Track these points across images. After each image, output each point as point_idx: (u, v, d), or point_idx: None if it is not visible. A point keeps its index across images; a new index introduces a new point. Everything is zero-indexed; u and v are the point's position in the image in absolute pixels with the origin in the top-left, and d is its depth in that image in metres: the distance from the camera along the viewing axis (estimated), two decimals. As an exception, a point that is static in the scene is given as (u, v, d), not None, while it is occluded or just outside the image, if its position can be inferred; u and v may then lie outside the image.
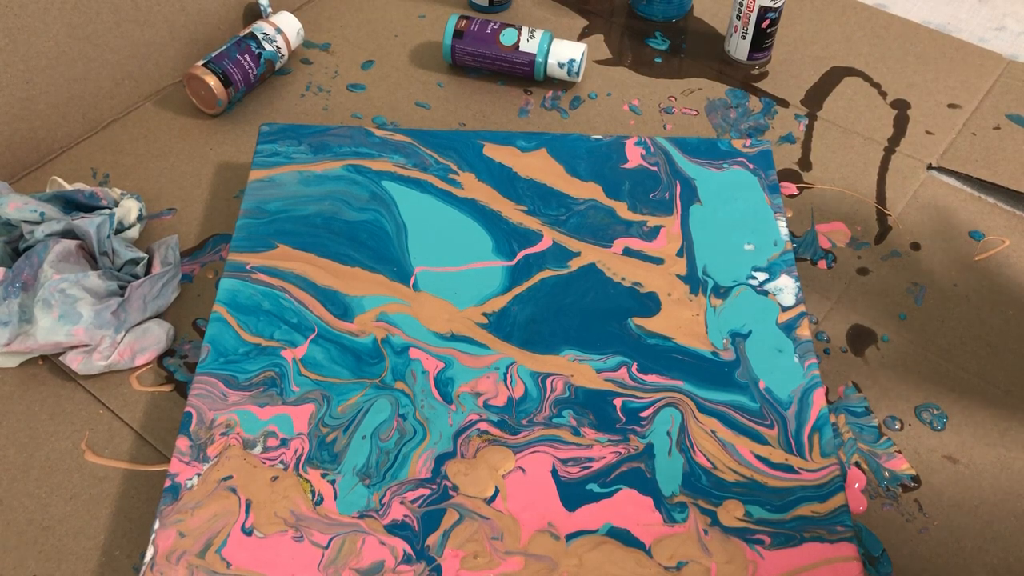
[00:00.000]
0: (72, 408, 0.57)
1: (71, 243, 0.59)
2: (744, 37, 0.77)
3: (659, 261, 0.61)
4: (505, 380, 0.55)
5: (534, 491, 0.51)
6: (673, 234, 0.62)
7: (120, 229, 0.63)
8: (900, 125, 0.74)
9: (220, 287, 0.59)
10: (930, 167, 0.71)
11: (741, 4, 0.76)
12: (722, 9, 0.85)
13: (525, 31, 0.76)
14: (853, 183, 0.70)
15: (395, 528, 0.49)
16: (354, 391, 0.55)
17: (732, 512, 0.50)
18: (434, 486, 0.51)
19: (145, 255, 0.62)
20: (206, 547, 0.48)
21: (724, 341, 0.57)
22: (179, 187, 0.69)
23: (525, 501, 0.50)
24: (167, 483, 0.51)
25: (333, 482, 0.51)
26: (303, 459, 0.52)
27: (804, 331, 0.57)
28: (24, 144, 0.70)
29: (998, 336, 0.61)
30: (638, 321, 0.58)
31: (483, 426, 0.53)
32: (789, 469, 0.52)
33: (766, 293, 0.59)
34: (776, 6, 0.75)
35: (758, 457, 0.52)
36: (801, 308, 0.58)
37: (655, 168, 0.66)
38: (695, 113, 0.75)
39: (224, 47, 0.74)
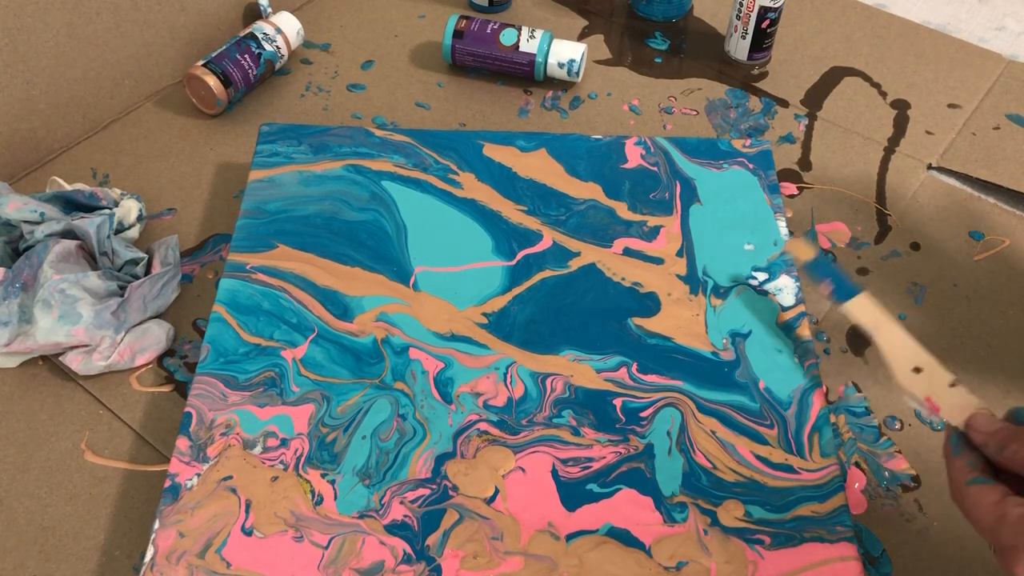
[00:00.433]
0: (72, 408, 0.57)
1: (71, 243, 0.59)
2: (744, 37, 0.77)
3: (659, 261, 0.61)
4: (505, 380, 0.55)
5: (534, 491, 0.51)
6: (673, 234, 0.62)
7: (120, 229, 0.63)
8: (900, 125, 0.74)
9: (220, 287, 0.59)
10: (930, 167, 0.71)
11: (741, 4, 0.76)
12: (722, 9, 0.85)
13: (525, 31, 0.76)
14: (853, 183, 0.70)
15: (395, 528, 0.49)
16: (354, 391, 0.55)
17: (732, 512, 0.50)
18: (434, 486, 0.51)
19: (145, 255, 0.62)
20: (206, 547, 0.48)
21: (724, 341, 0.57)
22: (179, 187, 0.69)
23: (525, 501, 0.50)
24: (167, 483, 0.51)
25: (333, 482, 0.51)
26: (303, 459, 0.52)
27: (804, 331, 0.57)
28: (24, 144, 0.70)
29: (998, 336, 0.61)
30: (638, 321, 0.58)
31: (483, 426, 0.53)
32: (789, 469, 0.52)
33: (766, 293, 0.59)
34: (776, 6, 0.75)
35: (758, 457, 0.52)
36: (801, 308, 0.58)
37: (655, 168, 0.66)
38: (695, 113, 0.75)
39: (224, 47, 0.74)
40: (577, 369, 0.56)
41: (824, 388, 0.55)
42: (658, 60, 0.80)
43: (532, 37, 0.75)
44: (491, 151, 0.67)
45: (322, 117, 0.75)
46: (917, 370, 0.44)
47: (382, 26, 0.83)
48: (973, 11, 0.87)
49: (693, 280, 0.60)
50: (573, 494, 0.50)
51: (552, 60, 0.76)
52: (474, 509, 0.50)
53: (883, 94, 0.77)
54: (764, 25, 0.76)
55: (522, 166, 0.66)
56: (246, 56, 0.74)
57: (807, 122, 0.75)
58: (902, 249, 0.66)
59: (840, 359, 0.59)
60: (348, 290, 0.59)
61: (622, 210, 0.64)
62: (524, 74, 0.77)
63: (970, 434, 0.40)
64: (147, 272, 0.62)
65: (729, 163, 0.66)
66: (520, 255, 0.61)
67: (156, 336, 0.59)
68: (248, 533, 0.49)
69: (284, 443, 0.52)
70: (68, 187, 0.64)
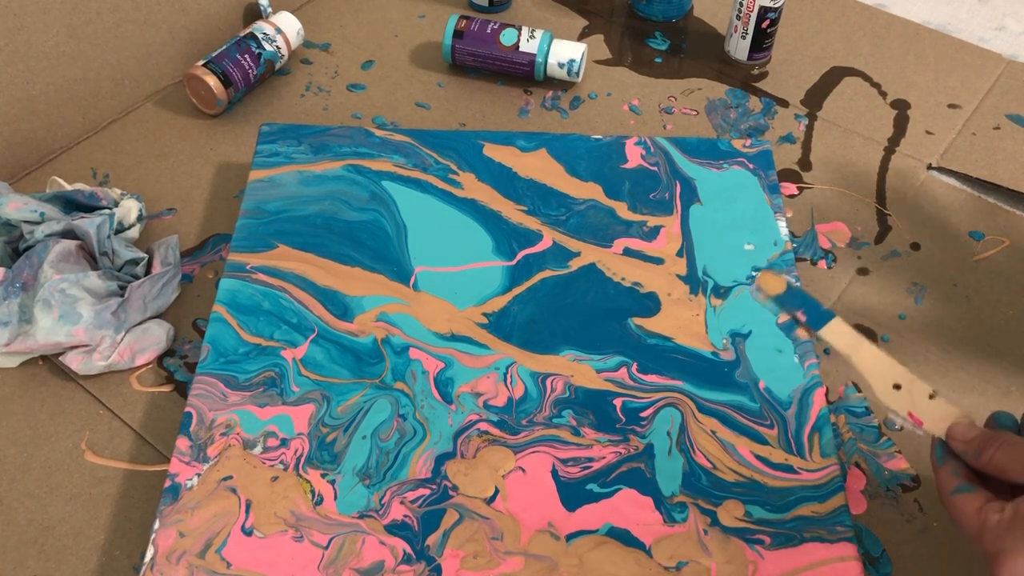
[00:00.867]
0: (72, 408, 0.57)
1: (71, 243, 0.59)
2: (744, 37, 0.77)
3: (659, 261, 0.61)
4: (505, 380, 0.55)
5: (534, 491, 0.51)
6: (673, 234, 0.62)
7: (120, 229, 0.63)
8: (900, 125, 0.74)
9: (220, 287, 0.59)
10: (930, 167, 0.71)
11: (741, 4, 0.76)
12: (722, 9, 0.85)
13: (525, 31, 0.76)
14: (853, 183, 0.70)
15: (395, 528, 0.49)
16: (354, 391, 0.55)
17: (732, 512, 0.50)
18: (434, 486, 0.51)
19: (145, 255, 0.62)
20: (206, 547, 0.48)
21: (724, 341, 0.57)
22: (179, 187, 0.69)
23: (525, 501, 0.50)
24: (167, 483, 0.51)
25: (333, 482, 0.51)
26: (303, 459, 0.52)
27: (804, 331, 0.57)
28: (24, 144, 0.70)
29: (998, 336, 0.61)
30: (638, 321, 0.58)
31: (483, 426, 0.53)
32: (789, 469, 0.52)
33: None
34: (776, 6, 0.75)
35: (758, 457, 0.52)
36: (801, 308, 0.58)
37: (655, 168, 0.66)
38: (695, 113, 0.75)
39: (224, 47, 0.74)
40: (577, 369, 0.56)
41: (824, 388, 0.55)
42: (658, 60, 0.80)
43: (532, 37, 0.75)
44: (491, 151, 0.67)
45: (322, 117, 0.75)
46: (897, 387, 0.45)
47: (382, 26, 0.83)
48: (973, 11, 0.87)
49: (693, 280, 0.60)
50: (573, 494, 0.50)
51: (552, 60, 0.76)
52: (474, 509, 0.50)
53: (883, 94, 0.77)
54: (764, 25, 0.76)
55: (522, 166, 0.66)
56: (246, 56, 0.74)
57: (807, 122, 0.75)
58: (902, 249, 0.66)
59: (840, 359, 0.59)
60: (348, 290, 0.59)
61: (622, 210, 0.64)
62: (524, 74, 0.77)
63: (951, 443, 0.42)
64: (147, 272, 0.62)
65: (729, 163, 0.66)
66: (520, 255, 0.61)
67: (156, 336, 0.59)
68: (248, 533, 0.49)
69: (284, 443, 0.52)
70: (68, 187, 0.64)
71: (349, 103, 0.76)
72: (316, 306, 0.58)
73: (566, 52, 0.75)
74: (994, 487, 0.39)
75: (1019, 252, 0.65)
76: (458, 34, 0.77)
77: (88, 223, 0.59)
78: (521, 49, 0.75)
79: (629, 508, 0.50)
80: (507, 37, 0.76)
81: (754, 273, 0.60)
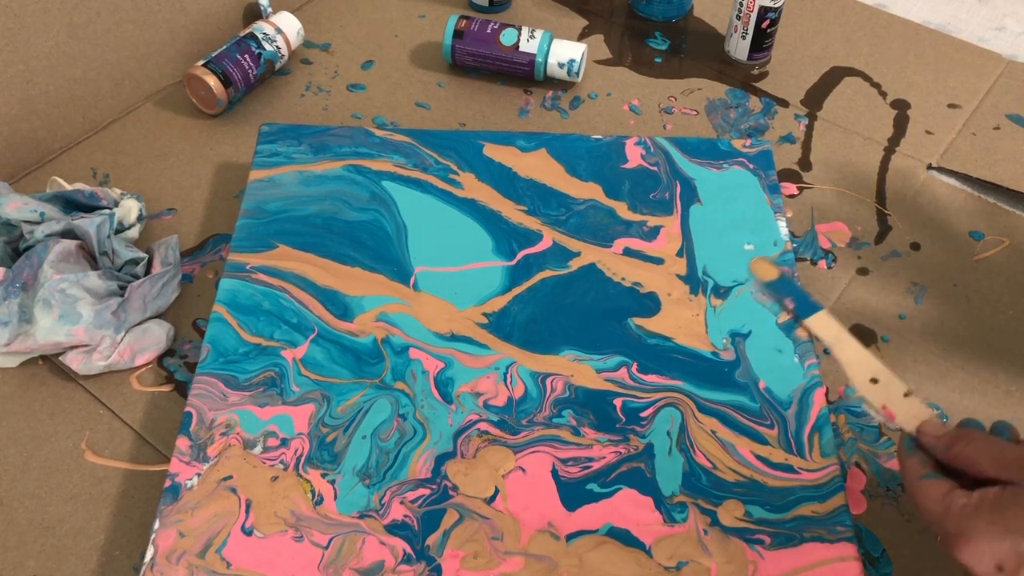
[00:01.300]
0: (72, 408, 0.57)
1: (71, 243, 0.59)
2: (744, 37, 0.77)
3: (659, 261, 0.61)
4: (505, 380, 0.55)
5: (534, 491, 0.51)
6: (673, 234, 0.62)
7: (120, 229, 0.63)
8: (900, 125, 0.74)
9: (220, 287, 0.59)
10: (930, 167, 0.71)
11: (741, 4, 0.76)
12: (722, 9, 0.85)
13: (525, 31, 0.76)
14: (853, 183, 0.70)
15: (395, 528, 0.49)
16: (354, 391, 0.55)
17: (732, 512, 0.50)
18: (434, 486, 0.51)
19: (145, 255, 0.62)
20: (206, 547, 0.48)
21: (724, 341, 0.57)
22: (179, 187, 0.69)
23: (525, 501, 0.50)
24: (167, 483, 0.51)
25: (333, 482, 0.51)
26: (303, 459, 0.52)
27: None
28: (24, 144, 0.70)
29: (998, 336, 0.61)
30: (638, 321, 0.58)
31: (483, 426, 0.53)
32: (789, 469, 0.52)
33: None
34: (776, 6, 0.75)
35: (758, 457, 0.52)
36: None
37: (655, 168, 0.66)
38: (695, 113, 0.75)
39: (224, 47, 0.74)
40: (577, 369, 0.56)
41: (824, 388, 0.55)
42: (658, 60, 0.80)
43: (532, 37, 0.75)
44: (491, 151, 0.67)
45: (322, 117, 0.75)
46: (874, 381, 0.48)
47: (382, 26, 0.83)
48: (973, 11, 0.87)
49: (693, 280, 0.60)
50: (573, 494, 0.50)
51: (552, 60, 0.76)
52: (474, 509, 0.50)
53: (883, 94, 0.77)
54: (764, 25, 0.76)
55: (522, 166, 0.66)
56: (246, 56, 0.74)
57: (807, 122, 0.75)
58: (902, 249, 0.66)
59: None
60: (348, 290, 0.59)
61: (622, 210, 0.64)
62: (524, 74, 0.77)
63: (921, 437, 0.44)
64: (147, 272, 0.62)
65: (729, 163, 0.66)
66: (520, 255, 0.61)
67: (156, 336, 0.59)
68: (248, 533, 0.49)
69: (284, 443, 0.52)
70: (68, 187, 0.64)
71: (349, 103, 0.76)
72: (316, 306, 0.58)
73: (566, 52, 0.75)
74: (958, 482, 0.42)
75: (1019, 252, 0.65)
76: (458, 34, 0.77)
77: (88, 223, 0.59)
78: (521, 49, 0.75)
79: (629, 508, 0.50)
80: (507, 37, 0.76)
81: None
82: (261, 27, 0.76)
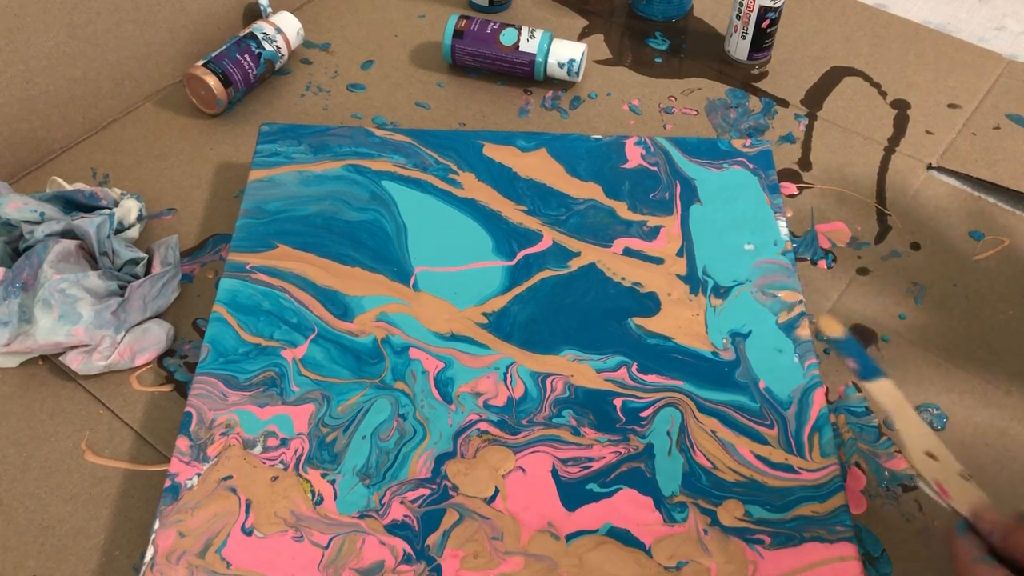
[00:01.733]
0: (72, 408, 0.57)
1: (71, 243, 0.59)
2: (744, 37, 0.77)
3: (659, 261, 0.61)
4: (505, 380, 0.55)
5: (534, 491, 0.51)
6: (673, 234, 0.62)
7: (120, 229, 0.63)
8: (900, 125, 0.74)
9: (220, 287, 0.59)
10: (930, 167, 0.71)
11: (741, 4, 0.76)
12: (722, 9, 0.85)
13: (525, 31, 0.76)
14: (853, 183, 0.70)
15: (395, 528, 0.49)
16: (354, 391, 0.55)
17: (732, 512, 0.50)
18: (434, 486, 0.51)
19: (145, 255, 0.62)
20: (206, 547, 0.48)
21: (724, 341, 0.57)
22: (179, 187, 0.69)
23: (525, 501, 0.50)
24: (167, 483, 0.51)
25: (333, 482, 0.51)
26: (303, 459, 0.52)
27: (804, 331, 0.57)
28: (24, 144, 0.70)
29: (998, 336, 0.61)
30: (638, 321, 0.58)
31: (483, 426, 0.53)
32: (789, 469, 0.52)
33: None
34: (776, 6, 0.75)
35: (758, 457, 0.52)
36: (801, 308, 0.58)
37: (655, 168, 0.66)
38: (695, 113, 0.75)
39: (224, 47, 0.74)
40: (577, 369, 0.56)
41: (824, 388, 0.55)
42: (658, 60, 0.80)
43: (532, 37, 0.75)
44: (491, 151, 0.67)
45: (322, 117, 0.75)
46: (931, 456, 0.47)
47: (382, 26, 0.83)
48: (973, 11, 0.87)
49: (693, 280, 0.60)
50: (573, 494, 0.50)
51: (552, 60, 0.76)
52: (474, 509, 0.50)
53: (883, 94, 0.77)
54: (764, 25, 0.76)
55: (522, 166, 0.66)
56: (246, 56, 0.74)
57: (807, 122, 0.75)
58: (902, 249, 0.66)
59: (840, 359, 0.59)
60: (348, 290, 0.59)
61: (622, 210, 0.64)
62: (524, 74, 0.77)
63: (977, 522, 0.44)
64: (147, 272, 0.62)
65: (729, 163, 0.66)
66: (520, 255, 0.61)
67: (156, 336, 0.59)
68: (248, 533, 0.49)
69: (284, 443, 0.52)
70: (68, 187, 0.64)
71: (349, 103, 0.76)
72: (316, 306, 0.58)
73: (566, 52, 0.75)
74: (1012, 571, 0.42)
75: (1019, 252, 0.65)
76: (458, 34, 0.77)
77: (88, 223, 0.59)
78: (521, 49, 0.75)
79: (629, 508, 0.50)
80: (507, 37, 0.76)
81: (759, 276, 0.60)
82: (261, 27, 0.76)
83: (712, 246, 0.62)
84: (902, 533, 0.52)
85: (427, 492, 0.51)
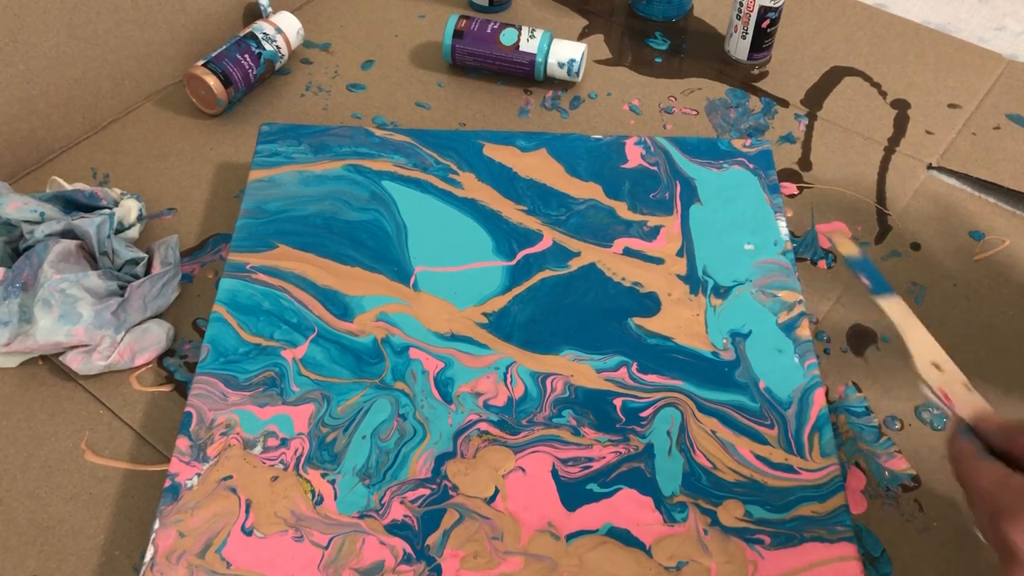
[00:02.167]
0: (72, 408, 0.57)
1: (71, 243, 0.59)
2: (744, 37, 0.77)
3: (659, 261, 0.61)
4: (505, 380, 0.55)
5: (534, 491, 0.51)
6: (673, 234, 0.62)
7: (120, 229, 0.63)
8: (900, 125, 0.74)
9: (220, 287, 0.59)
10: (930, 167, 0.71)
11: (741, 4, 0.76)
12: (722, 9, 0.85)
13: (525, 31, 0.76)
14: (853, 183, 0.70)
15: (395, 528, 0.49)
16: (354, 391, 0.55)
17: (732, 512, 0.50)
18: (434, 486, 0.51)
19: (145, 255, 0.62)
20: (206, 547, 0.48)
21: (724, 341, 0.57)
22: (179, 187, 0.69)
23: (525, 501, 0.50)
24: (167, 483, 0.51)
25: (333, 482, 0.51)
26: (303, 459, 0.52)
27: (804, 331, 0.57)
28: (24, 144, 0.70)
29: (998, 336, 0.61)
30: (638, 321, 0.58)
31: (483, 426, 0.53)
32: (789, 469, 0.52)
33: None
34: (776, 6, 0.75)
35: (758, 457, 0.52)
36: (801, 308, 0.58)
37: (655, 168, 0.66)
38: (695, 113, 0.75)
39: (224, 47, 0.74)
40: (577, 369, 0.56)
41: (824, 388, 0.55)
42: (658, 60, 0.80)
43: (532, 37, 0.75)
44: (491, 151, 0.67)
45: (322, 117, 0.75)
46: (937, 367, 0.48)
47: (382, 26, 0.83)
48: (973, 11, 0.87)
49: (693, 280, 0.60)
50: (573, 494, 0.50)
51: (552, 60, 0.76)
52: (474, 509, 0.50)
53: (883, 94, 0.77)
54: (764, 25, 0.76)
55: (522, 166, 0.66)
56: (246, 56, 0.74)
57: (807, 122, 0.75)
58: (902, 249, 0.66)
59: (840, 359, 0.59)
60: (348, 290, 0.59)
61: (622, 210, 0.64)
62: (524, 74, 0.77)
63: (980, 424, 0.44)
64: (147, 272, 0.62)
65: (729, 163, 0.66)
66: (520, 255, 0.61)
67: (156, 336, 0.59)
68: (248, 533, 0.49)
69: (284, 443, 0.52)
70: (68, 187, 0.64)
71: (349, 103, 0.76)
72: (316, 306, 0.58)
73: (566, 52, 0.75)
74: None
75: (1019, 252, 0.65)
76: (458, 34, 0.77)
77: (88, 223, 0.59)
78: (521, 49, 0.75)
79: (629, 508, 0.50)
80: (507, 37, 0.76)
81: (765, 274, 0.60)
82: (261, 27, 0.76)
83: (712, 246, 0.62)
84: (902, 533, 0.52)
85: (427, 492, 0.51)
